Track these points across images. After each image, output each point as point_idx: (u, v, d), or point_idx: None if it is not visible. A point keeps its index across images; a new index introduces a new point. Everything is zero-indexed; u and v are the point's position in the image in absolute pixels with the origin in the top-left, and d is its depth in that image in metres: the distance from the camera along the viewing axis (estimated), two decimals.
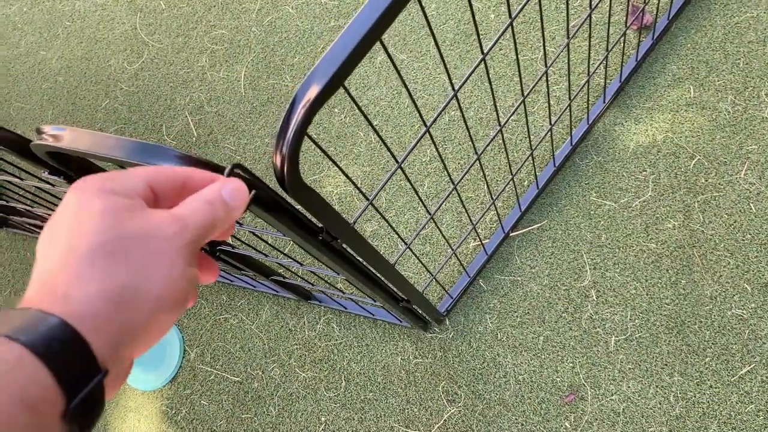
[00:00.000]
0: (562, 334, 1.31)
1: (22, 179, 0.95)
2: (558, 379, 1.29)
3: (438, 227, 1.04)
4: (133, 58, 1.96)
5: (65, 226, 0.35)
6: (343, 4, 1.77)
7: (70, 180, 0.78)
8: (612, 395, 1.25)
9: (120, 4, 2.06)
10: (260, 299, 1.56)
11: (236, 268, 1.26)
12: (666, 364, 1.24)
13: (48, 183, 0.86)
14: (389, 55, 0.62)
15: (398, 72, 0.63)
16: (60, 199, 1.21)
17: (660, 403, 1.22)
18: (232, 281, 1.55)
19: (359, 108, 0.63)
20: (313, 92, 0.57)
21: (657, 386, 1.23)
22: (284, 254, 1.09)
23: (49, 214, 1.21)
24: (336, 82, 0.57)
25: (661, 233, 1.31)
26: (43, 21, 2.16)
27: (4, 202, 1.32)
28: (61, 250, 0.34)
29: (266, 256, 1.05)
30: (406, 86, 0.66)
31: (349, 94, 0.60)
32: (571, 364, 1.30)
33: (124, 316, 0.33)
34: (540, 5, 0.85)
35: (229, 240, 1.32)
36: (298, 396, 1.46)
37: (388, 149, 0.74)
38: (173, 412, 1.54)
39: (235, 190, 0.41)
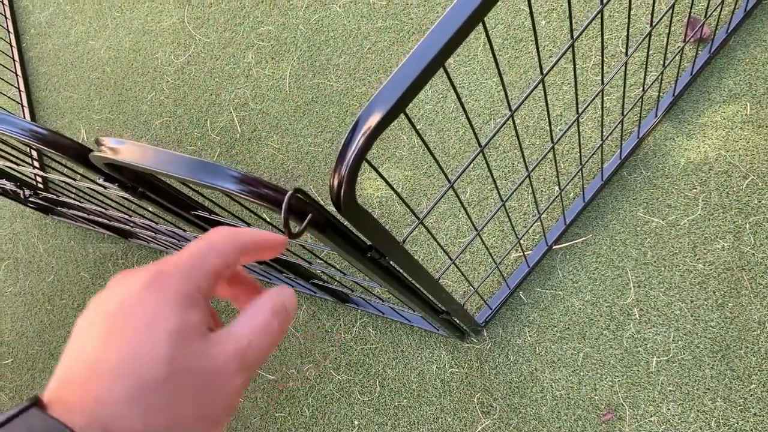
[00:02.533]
0: (602, 352, 1.29)
1: (74, 179, 0.96)
2: (596, 397, 1.28)
3: (483, 242, 1.03)
4: (180, 51, 1.98)
5: (129, 326, 0.32)
6: (391, 4, 1.75)
7: (125, 187, 0.79)
8: (651, 416, 1.23)
9: None
10: (298, 299, 1.57)
11: (277, 270, 1.27)
12: (709, 389, 1.22)
13: (102, 186, 0.87)
14: (451, 81, 0.61)
15: (459, 97, 0.62)
16: (112, 200, 1.22)
17: (700, 428, 1.20)
18: (270, 280, 1.56)
19: (418, 133, 0.62)
20: (374, 120, 0.56)
21: (698, 410, 1.21)
22: (328, 263, 1.10)
23: (100, 211, 1.23)
24: (397, 109, 0.57)
25: (709, 254, 1.28)
26: (93, 11, 2.19)
27: (54, 196, 1.34)
28: (116, 358, 0.32)
29: (310, 264, 1.05)
30: (464, 109, 0.65)
31: (411, 122, 0.60)
32: (610, 383, 1.28)
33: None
34: (602, 23, 0.83)
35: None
36: (332, 398, 1.46)
37: (442, 170, 0.73)
38: None
39: (292, 301, 0.38)
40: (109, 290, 0.35)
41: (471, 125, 0.68)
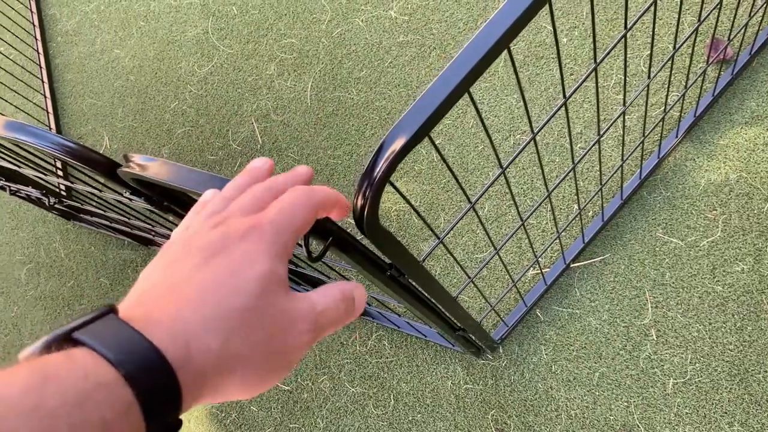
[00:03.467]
0: (618, 372, 1.29)
1: (99, 190, 0.98)
2: (611, 417, 1.27)
3: (502, 261, 1.03)
4: (204, 61, 2.00)
5: (223, 263, 0.35)
6: (413, 19, 1.77)
7: (151, 201, 0.80)
8: None
9: (193, 7, 2.10)
10: None
11: (294, 282, 1.28)
12: (726, 413, 1.21)
13: (128, 199, 0.88)
14: (475, 106, 0.61)
15: (481, 119, 0.63)
16: (135, 210, 1.24)
17: None
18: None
19: (440, 155, 0.63)
20: (398, 144, 0.57)
21: None
22: (345, 277, 1.10)
23: (123, 221, 1.25)
24: (422, 134, 0.58)
25: (728, 276, 1.27)
26: (119, 20, 2.22)
27: (78, 204, 1.36)
28: (202, 284, 0.34)
29: (328, 278, 1.06)
30: (486, 130, 0.65)
31: (436, 147, 0.60)
32: (625, 403, 1.27)
33: (222, 381, 0.33)
34: (625, 48, 0.83)
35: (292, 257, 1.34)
36: (346, 410, 1.47)
37: (462, 189, 0.74)
38: (223, 415, 1.57)
39: (361, 298, 0.42)
40: (199, 234, 0.38)
41: (493, 145, 0.69)
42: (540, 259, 1.40)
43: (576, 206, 1.42)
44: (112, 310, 0.32)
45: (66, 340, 0.30)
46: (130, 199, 0.93)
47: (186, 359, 0.31)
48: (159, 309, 0.33)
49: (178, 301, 0.33)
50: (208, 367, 0.32)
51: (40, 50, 2.27)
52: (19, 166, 1.13)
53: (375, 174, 0.58)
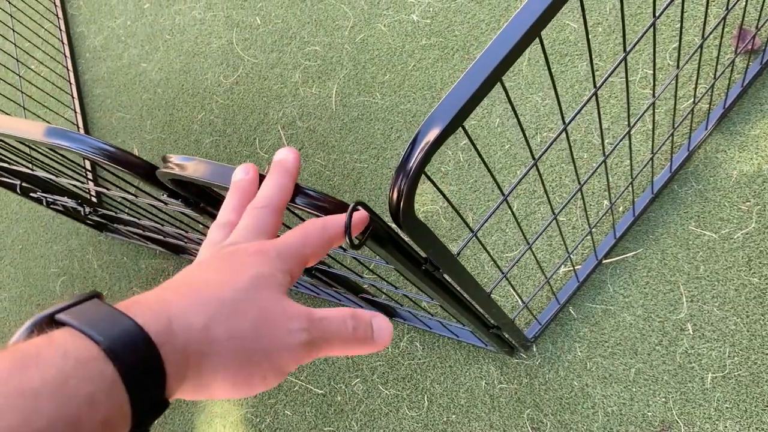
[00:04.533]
0: (655, 368, 1.27)
1: (136, 196, 1.00)
2: (649, 413, 1.25)
3: (535, 256, 1.03)
4: (229, 72, 2.03)
5: (226, 268, 0.37)
6: (435, 22, 1.77)
7: (187, 202, 0.81)
8: None
9: (218, 19, 2.13)
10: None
11: (327, 284, 1.29)
12: (767, 406, 1.18)
13: (163, 203, 0.90)
14: (507, 94, 0.62)
15: (513, 108, 0.63)
16: (168, 215, 1.26)
17: None
18: (318, 294, 1.58)
19: (475, 148, 0.63)
20: (433, 135, 0.58)
21: (757, 428, 1.18)
22: (380, 277, 1.11)
23: (156, 227, 1.27)
24: (455, 124, 0.58)
25: (765, 267, 1.26)
26: (145, 34, 2.27)
27: (112, 213, 1.39)
28: (202, 281, 0.36)
29: (361, 277, 1.06)
30: (519, 120, 0.65)
31: (469, 136, 0.61)
32: (663, 399, 1.25)
33: (205, 367, 0.33)
34: (654, 36, 0.83)
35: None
36: (380, 413, 1.47)
37: (496, 182, 0.74)
38: (258, 420, 1.58)
39: (384, 329, 0.40)
40: (211, 254, 0.40)
41: (525, 137, 0.69)
42: (572, 255, 1.40)
43: (606, 202, 1.41)
44: (96, 295, 0.32)
45: (49, 324, 0.30)
46: (166, 203, 0.95)
47: (168, 335, 0.31)
48: (146, 297, 0.34)
49: (168, 290, 0.34)
50: (190, 347, 0.32)
51: (70, 67, 2.32)
52: (56, 176, 1.15)
53: (410, 165, 0.59)
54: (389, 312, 1.47)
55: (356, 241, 0.57)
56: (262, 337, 0.34)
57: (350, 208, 0.52)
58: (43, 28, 2.38)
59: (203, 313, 0.33)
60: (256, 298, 0.35)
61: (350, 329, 0.38)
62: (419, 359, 1.48)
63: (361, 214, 0.46)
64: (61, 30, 2.40)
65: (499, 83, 0.59)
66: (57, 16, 2.43)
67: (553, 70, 1.57)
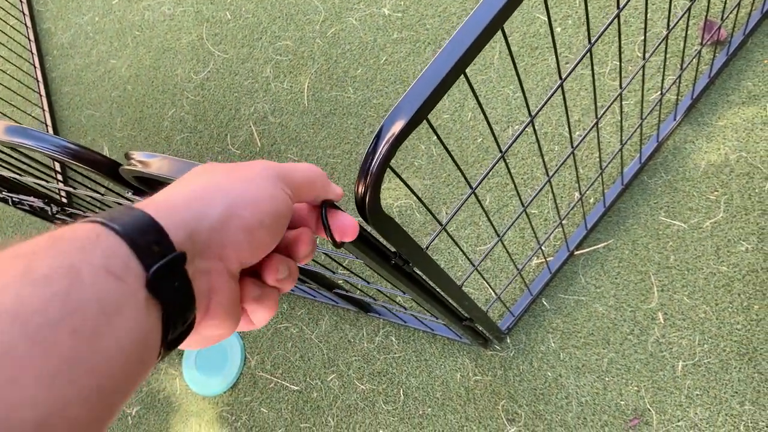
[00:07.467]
0: (627, 357, 1.29)
1: (102, 194, 0.99)
2: (622, 402, 1.27)
3: (506, 249, 1.03)
4: (199, 67, 2.01)
5: (235, 172, 0.38)
6: (407, 15, 1.77)
7: None
8: (678, 421, 1.22)
9: (187, 14, 2.11)
10: (320, 309, 1.58)
11: (300, 280, 1.28)
12: (736, 392, 1.20)
13: (129, 200, 0.88)
14: (471, 87, 0.62)
15: (479, 103, 0.63)
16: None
17: None
18: (293, 291, 1.57)
19: (440, 140, 0.63)
20: (397, 127, 0.57)
21: (726, 414, 1.20)
22: (352, 272, 1.10)
23: None
24: (419, 117, 0.58)
25: (732, 256, 1.27)
26: (114, 30, 2.23)
27: (79, 212, 1.37)
28: (201, 189, 0.37)
29: (334, 273, 1.06)
30: (485, 115, 0.65)
31: (433, 129, 0.60)
32: (635, 388, 1.27)
33: (199, 204, 0.34)
34: (619, 27, 0.83)
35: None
36: (357, 408, 1.47)
37: (464, 175, 0.74)
38: (233, 418, 1.57)
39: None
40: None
41: (492, 130, 0.69)
42: (543, 247, 1.41)
43: (577, 193, 1.42)
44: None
45: None
46: (133, 201, 0.94)
47: (169, 209, 0.33)
48: (159, 198, 0.35)
49: (176, 195, 0.35)
50: (176, 200, 0.34)
51: (37, 64, 2.28)
52: (20, 176, 1.13)
53: (375, 158, 0.59)
54: (364, 307, 1.47)
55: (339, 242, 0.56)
56: (234, 180, 0.37)
57: (322, 206, 0.52)
58: (8, 25, 2.33)
59: (186, 189, 0.35)
60: (228, 166, 0.38)
61: (319, 175, 0.42)
62: (395, 353, 1.48)
63: (352, 222, 0.45)
64: (27, 27, 2.35)
65: (462, 76, 0.59)
66: (23, 12, 2.39)
67: (523, 63, 1.58)
